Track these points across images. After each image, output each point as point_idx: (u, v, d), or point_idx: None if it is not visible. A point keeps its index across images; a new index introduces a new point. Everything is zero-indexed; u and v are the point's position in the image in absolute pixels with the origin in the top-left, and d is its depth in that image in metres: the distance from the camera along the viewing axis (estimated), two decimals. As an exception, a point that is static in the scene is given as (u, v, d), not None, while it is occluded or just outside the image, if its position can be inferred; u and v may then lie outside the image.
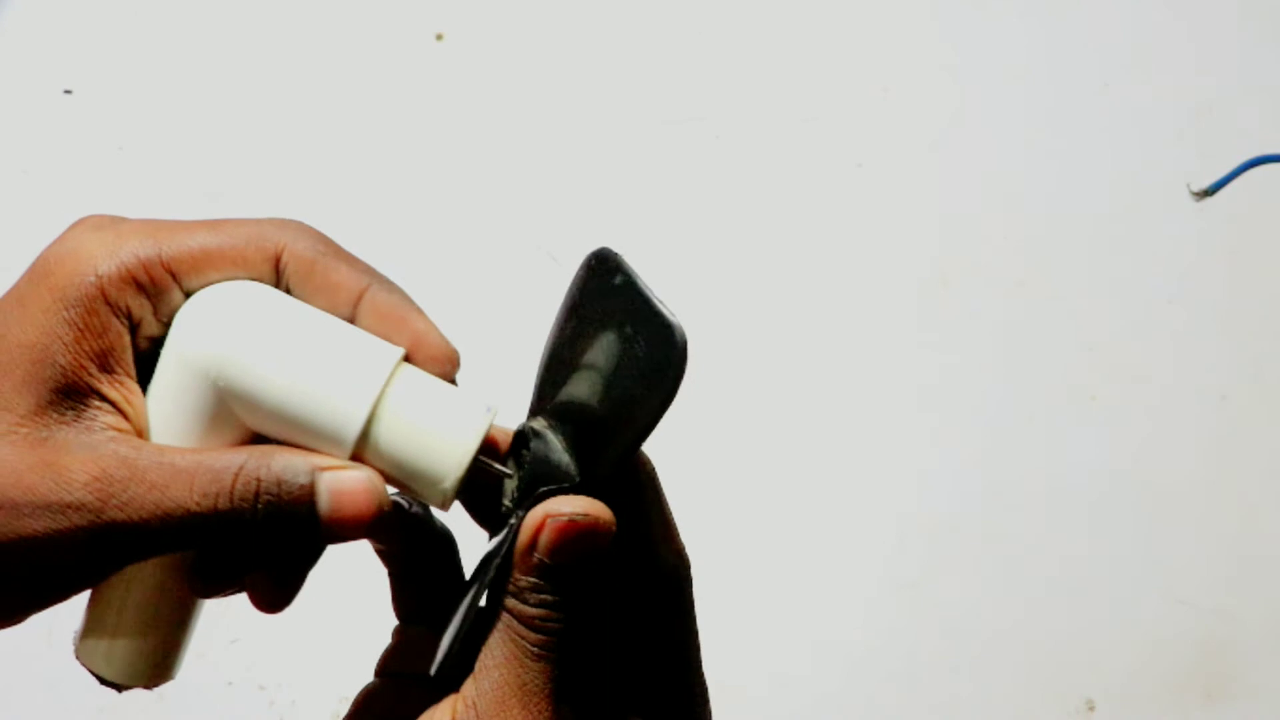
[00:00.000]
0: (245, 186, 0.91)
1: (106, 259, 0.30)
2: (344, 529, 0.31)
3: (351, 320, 0.32)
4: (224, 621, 0.76)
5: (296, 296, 0.32)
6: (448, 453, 0.31)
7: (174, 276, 0.31)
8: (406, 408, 0.31)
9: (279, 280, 0.32)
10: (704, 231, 0.90)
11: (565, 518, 0.31)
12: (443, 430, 0.31)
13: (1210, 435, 0.84)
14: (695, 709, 0.35)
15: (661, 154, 0.93)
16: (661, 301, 0.31)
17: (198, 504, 0.29)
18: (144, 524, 0.29)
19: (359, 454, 0.31)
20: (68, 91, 0.95)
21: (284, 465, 0.30)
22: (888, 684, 0.78)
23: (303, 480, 0.30)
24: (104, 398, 0.30)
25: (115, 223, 0.32)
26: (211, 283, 0.32)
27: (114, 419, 0.30)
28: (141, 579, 0.33)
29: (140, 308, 0.31)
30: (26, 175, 0.92)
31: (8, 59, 0.96)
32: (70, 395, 0.30)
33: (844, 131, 0.94)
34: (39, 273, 0.30)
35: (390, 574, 0.37)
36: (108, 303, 0.30)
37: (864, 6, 0.98)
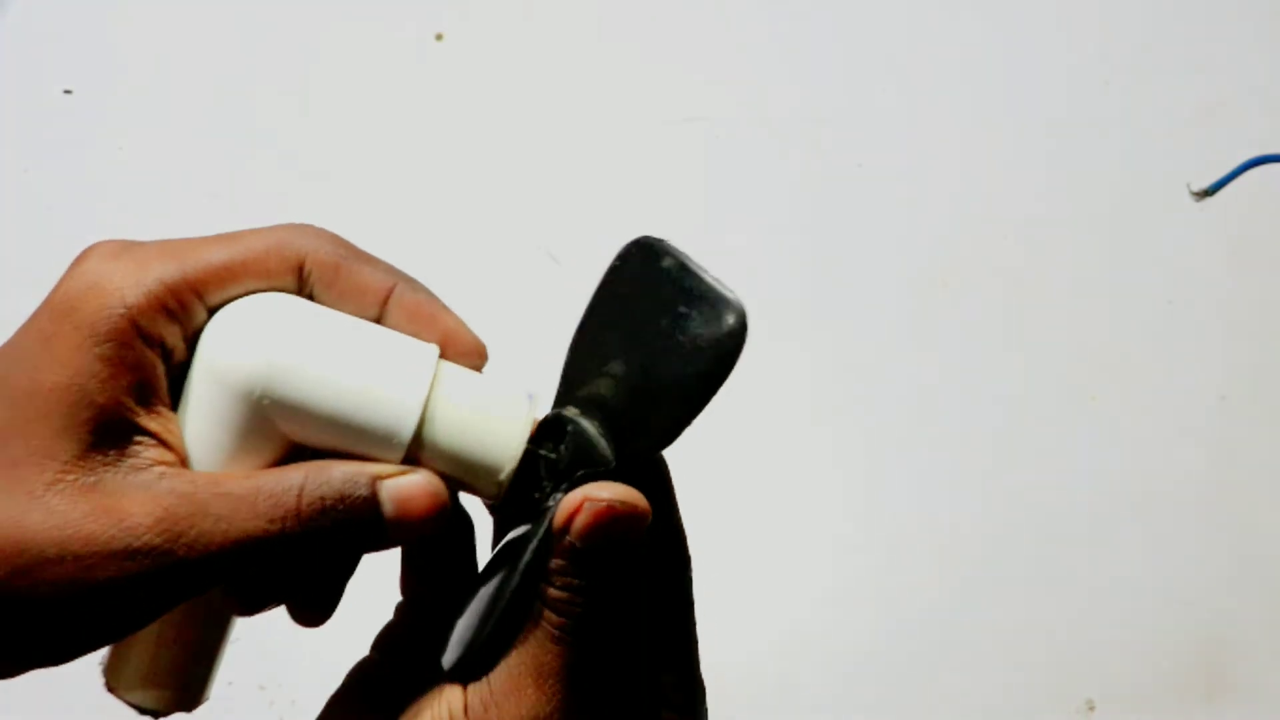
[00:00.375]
0: (245, 187, 0.91)
1: (133, 288, 0.29)
2: (410, 531, 0.31)
3: (379, 321, 0.32)
4: (224, 621, 0.76)
5: (322, 302, 0.32)
6: (501, 442, 0.32)
7: (199, 295, 0.30)
8: (455, 403, 0.31)
9: (303, 288, 0.32)
10: (704, 231, 0.90)
11: (604, 503, 0.30)
12: (492, 421, 0.32)
13: (1210, 435, 0.84)
14: (696, 707, 0.35)
15: (661, 154, 0.93)
16: (719, 280, 0.31)
17: (265, 530, 0.29)
18: (213, 556, 0.28)
19: (413, 453, 0.31)
20: (68, 91, 0.95)
21: (344, 478, 0.30)
22: (887, 684, 0.78)
23: (364, 492, 0.30)
24: (146, 431, 0.29)
25: (130, 248, 0.30)
26: (235, 298, 0.31)
27: (158, 452, 0.30)
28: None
29: (173, 335, 0.30)
30: (26, 175, 0.92)
31: (8, 59, 0.96)
32: (112, 434, 0.29)
33: (844, 131, 0.94)
34: (61, 309, 0.29)
35: (404, 552, 0.37)
36: (140, 334, 0.29)
37: (864, 6, 0.98)
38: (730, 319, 0.30)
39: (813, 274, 0.89)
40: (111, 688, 0.33)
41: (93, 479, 0.28)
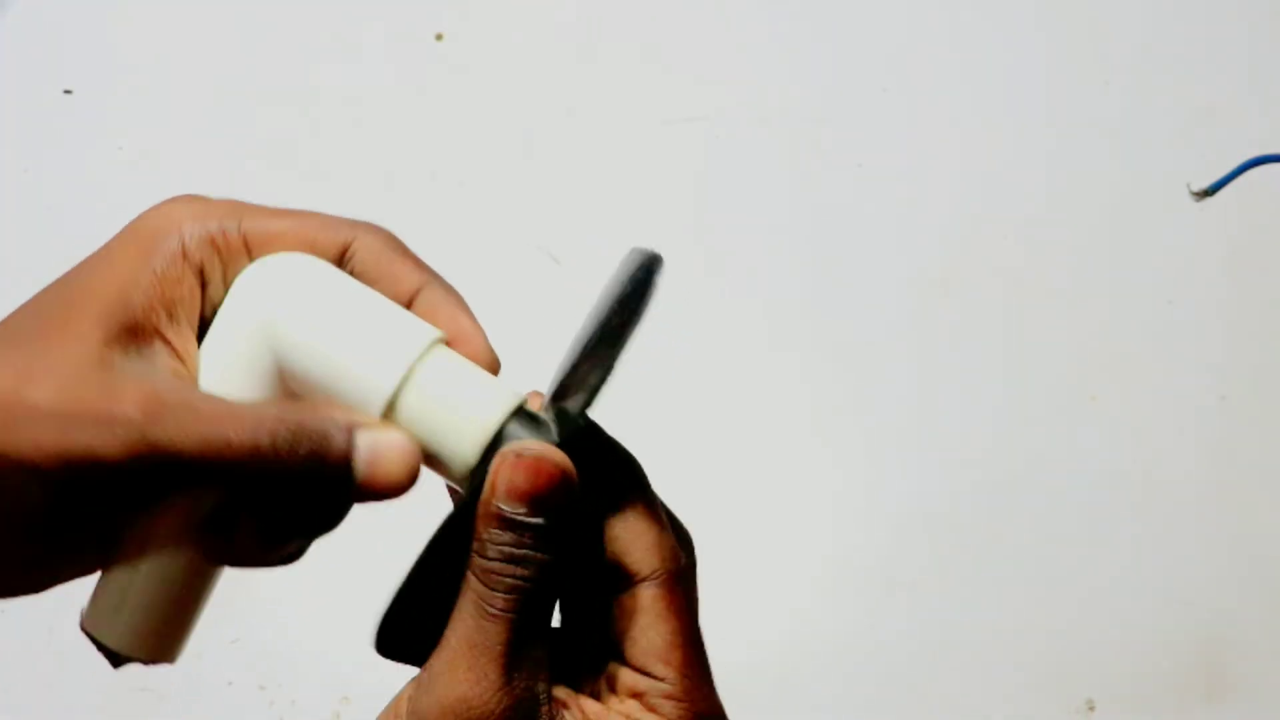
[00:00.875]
0: (245, 187, 0.91)
1: (192, 222, 0.33)
2: (377, 487, 0.31)
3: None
4: (224, 622, 0.76)
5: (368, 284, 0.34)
6: (472, 430, 0.32)
7: (248, 248, 0.34)
8: (436, 382, 0.32)
9: (342, 268, 0.34)
10: (704, 231, 0.90)
11: (525, 458, 0.31)
12: (469, 407, 0.32)
13: (1210, 435, 0.84)
14: (698, 688, 0.35)
15: (661, 154, 0.93)
16: (644, 248, 0.31)
17: (240, 440, 0.30)
18: (185, 452, 0.29)
19: (387, 417, 0.32)
20: (68, 91, 0.95)
21: (327, 416, 0.31)
22: (887, 684, 0.78)
23: (342, 433, 0.31)
24: (166, 341, 0.32)
25: (203, 199, 0.34)
26: None
27: (173, 361, 0.32)
28: (155, 539, 0.33)
29: (213, 268, 0.33)
30: (26, 175, 0.92)
31: (8, 59, 0.96)
32: (138, 335, 0.32)
33: (844, 131, 0.94)
34: (129, 231, 0.33)
35: None
36: (186, 259, 0.33)
37: (864, 6, 0.98)
38: (642, 263, 0.32)
39: (812, 274, 0.89)
40: (87, 629, 0.34)
41: (108, 360, 0.31)
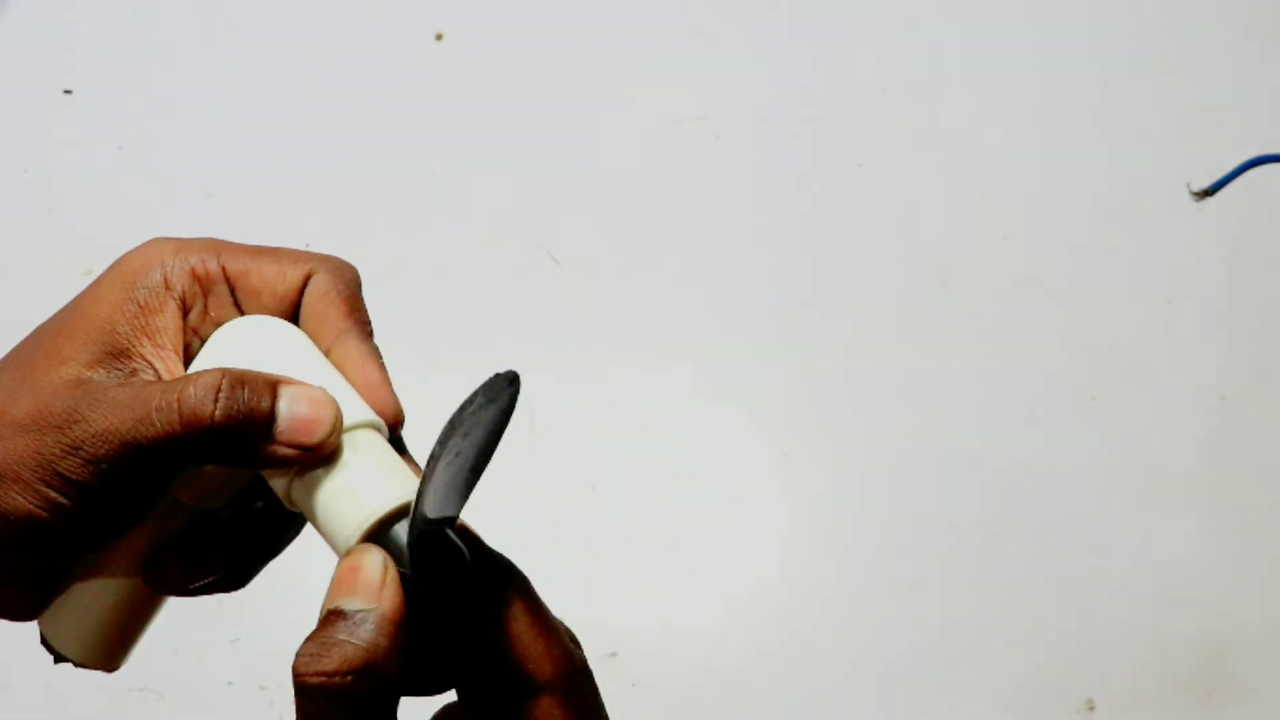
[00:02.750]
0: (245, 187, 0.91)
1: (173, 256, 0.36)
2: (297, 437, 0.33)
3: (329, 354, 0.36)
4: (224, 621, 0.76)
5: (303, 321, 0.37)
6: (345, 523, 0.33)
7: (228, 279, 0.37)
8: (339, 468, 0.34)
9: (299, 304, 0.37)
10: (704, 231, 0.90)
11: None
12: (350, 499, 0.33)
13: (1210, 435, 0.84)
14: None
15: (661, 154, 0.93)
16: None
17: (161, 399, 0.33)
18: (115, 428, 0.32)
19: (290, 491, 0.34)
20: (68, 91, 0.95)
21: (249, 373, 0.34)
22: (887, 684, 0.78)
23: (264, 388, 0.33)
24: (147, 362, 0.35)
25: (183, 239, 0.37)
26: (253, 290, 0.37)
27: (154, 378, 0.35)
28: (113, 567, 0.36)
29: (194, 297, 0.36)
30: (26, 175, 0.92)
31: (8, 59, 0.96)
32: (120, 357, 0.35)
33: (844, 131, 0.94)
34: (114, 269, 0.36)
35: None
36: (168, 289, 0.36)
37: (864, 6, 0.98)
38: (505, 381, 0.33)
39: (812, 274, 0.89)
40: (43, 635, 0.37)
41: (86, 378, 0.34)
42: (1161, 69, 0.96)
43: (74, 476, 0.33)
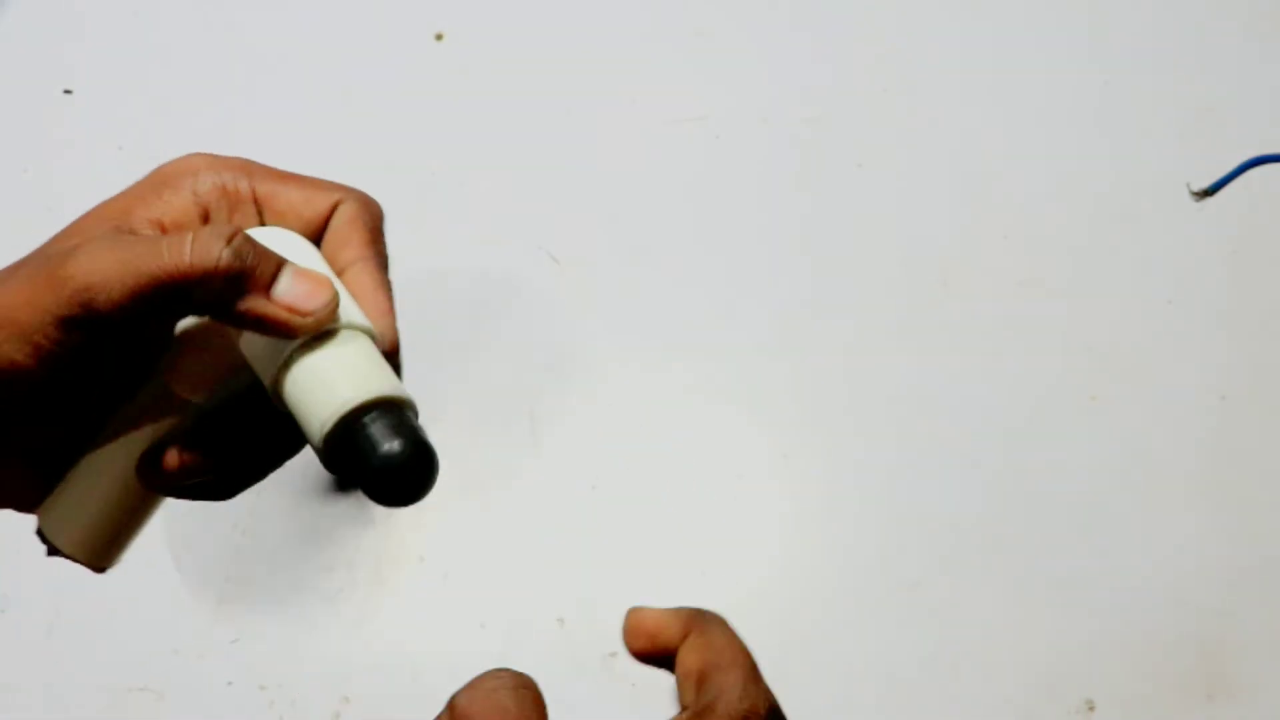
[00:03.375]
0: (245, 186, 0.91)
1: (207, 171, 0.38)
2: (294, 300, 0.34)
3: (342, 275, 0.37)
4: (224, 621, 0.76)
5: (324, 246, 0.38)
6: (329, 402, 0.34)
7: (256, 202, 0.38)
8: (321, 356, 0.34)
9: (326, 226, 0.38)
10: (704, 231, 0.90)
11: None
12: (333, 384, 0.34)
13: (1210, 435, 0.84)
14: None
15: (661, 154, 0.93)
16: None
17: (172, 239, 0.33)
18: (118, 259, 0.33)
19: (278, 381, 0.35)
20: (68, 91, 0.95)
21: (261, 244, 0.35)
22: (887, 685, 0.78)
23: (272, 257, 0.34)
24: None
25: (221, 155, 0.40)
26: (279, 214, 0.38)
27: None
28: (110, 461, 0.37)
29: (219, 213, 0.37)
30: (26, 175, 0.92)
31: (8, 59, 0.97)
32: (129, 233, 0.36)
33: (844, 131, 0.94)
34: (151, 173, 0.39)
35: None
36: (195, 199, 0.37)
37: (864, 6, 0.98)
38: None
39: (811, 274, 0.89)
40: (39, 527, 0.38)
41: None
42: (1161, 69, 0.96)
43: (66, 314, 0.32)
